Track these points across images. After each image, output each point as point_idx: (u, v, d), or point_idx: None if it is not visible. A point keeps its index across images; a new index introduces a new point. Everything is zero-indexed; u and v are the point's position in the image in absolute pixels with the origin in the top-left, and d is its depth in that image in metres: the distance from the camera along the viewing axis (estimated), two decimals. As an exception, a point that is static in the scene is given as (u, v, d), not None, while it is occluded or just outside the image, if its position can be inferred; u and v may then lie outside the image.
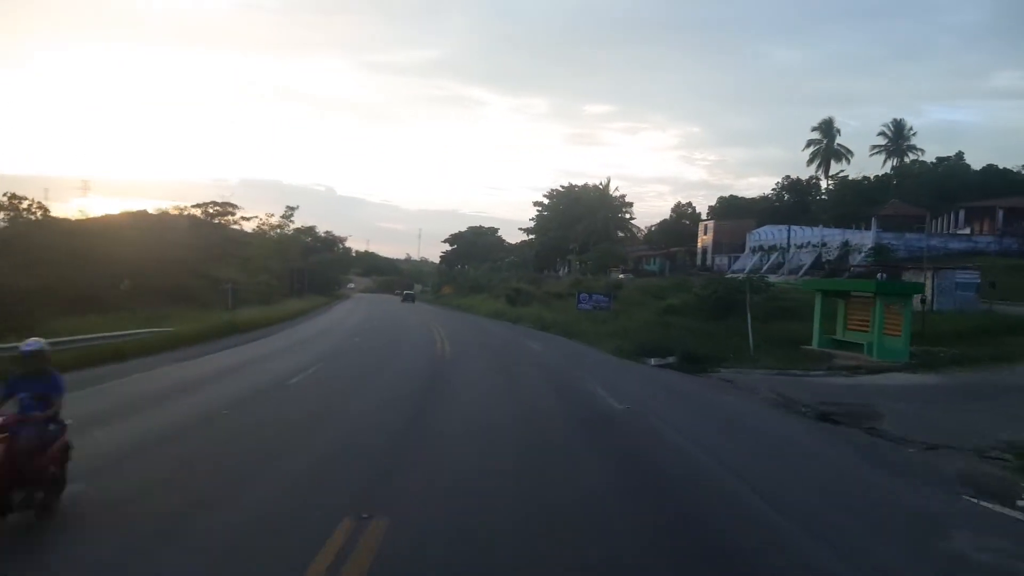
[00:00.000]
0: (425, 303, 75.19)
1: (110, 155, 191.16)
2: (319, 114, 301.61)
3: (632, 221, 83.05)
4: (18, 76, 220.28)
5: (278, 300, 43.96)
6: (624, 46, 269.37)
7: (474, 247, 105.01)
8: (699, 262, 64.14)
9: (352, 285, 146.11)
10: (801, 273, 45.08)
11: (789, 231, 53.63)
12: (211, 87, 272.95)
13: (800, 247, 51.56)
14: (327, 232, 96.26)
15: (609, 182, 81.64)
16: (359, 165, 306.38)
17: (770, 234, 56.62)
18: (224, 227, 56.27)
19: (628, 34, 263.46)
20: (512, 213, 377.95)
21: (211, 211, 56.19)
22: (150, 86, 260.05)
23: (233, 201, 56.90)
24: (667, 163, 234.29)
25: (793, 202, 69.12)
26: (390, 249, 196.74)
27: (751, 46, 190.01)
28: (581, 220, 75.99)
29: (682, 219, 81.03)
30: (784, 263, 49.81)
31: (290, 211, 69.13)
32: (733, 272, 49.18)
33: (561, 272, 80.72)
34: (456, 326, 37.09)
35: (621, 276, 57.75)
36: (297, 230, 71.88)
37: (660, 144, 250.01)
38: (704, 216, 77.39)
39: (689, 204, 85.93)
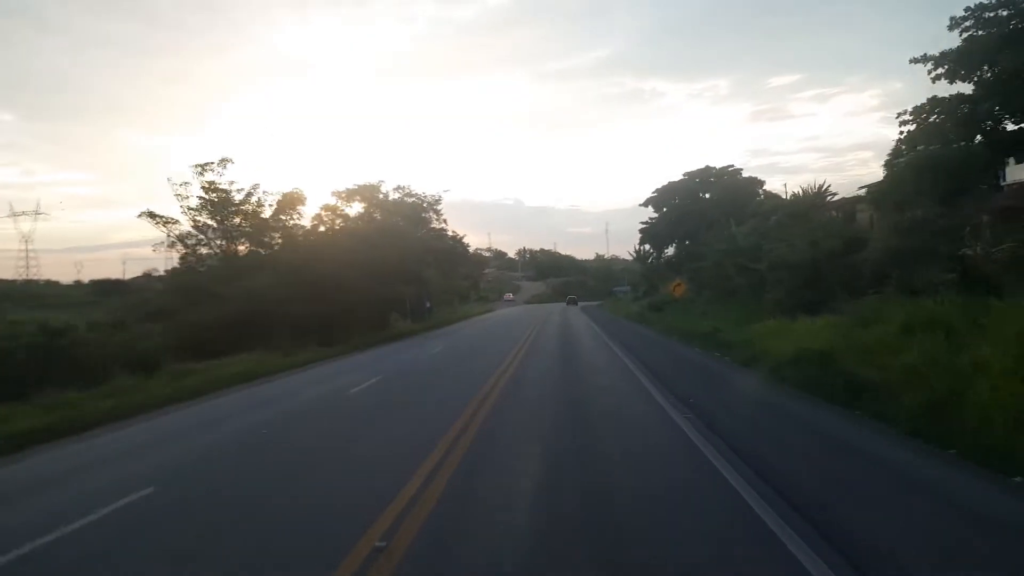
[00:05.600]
0: (620, 323, 38.30)
1: (314, 182, 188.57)
2: (502, 130, 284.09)
3: None
4: (225, 100, 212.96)
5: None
6: (807, 10, 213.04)
7: (697, 206, 57.35)
8: None
9: (510, 296, 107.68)
10: None
11: None
12: (407, 114, 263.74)
13: None
14: (405, 191, 52.46)
15: None
16: (544, 174, 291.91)
17: None
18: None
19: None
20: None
21: None
22: (347, 116, 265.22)
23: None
24: (866, 127, 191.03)
25: None
26: (578, 252, 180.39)
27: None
28: None
29: None
30: None
31: None
32: None
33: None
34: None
35: None
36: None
37: (857, 107, 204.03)
38: None
39: None
